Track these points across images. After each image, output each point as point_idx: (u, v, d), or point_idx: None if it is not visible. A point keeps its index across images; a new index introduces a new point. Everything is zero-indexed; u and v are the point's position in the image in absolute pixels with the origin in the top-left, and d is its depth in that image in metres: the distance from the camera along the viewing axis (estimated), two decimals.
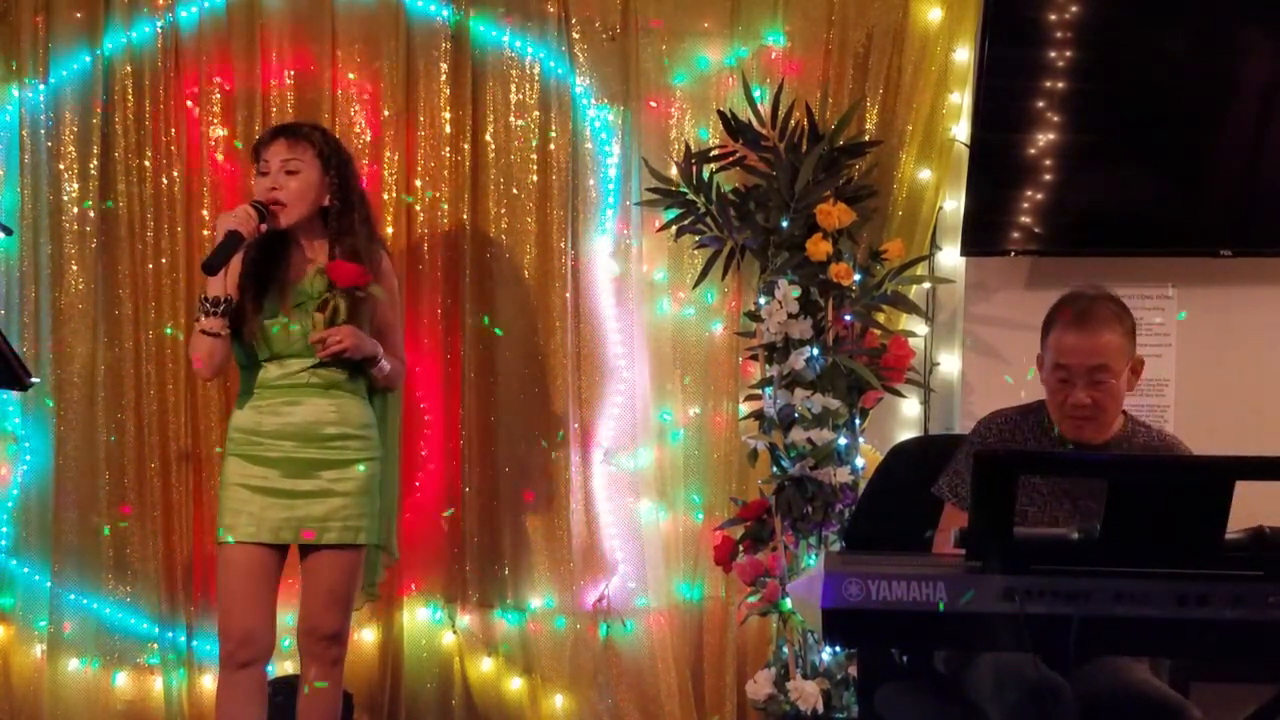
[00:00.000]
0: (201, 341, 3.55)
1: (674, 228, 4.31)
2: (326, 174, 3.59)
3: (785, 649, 4.19)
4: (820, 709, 4.07)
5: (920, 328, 4.45)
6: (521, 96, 4.44)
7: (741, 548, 4.23)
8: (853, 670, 4.04)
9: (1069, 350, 3.09)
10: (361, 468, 3.61)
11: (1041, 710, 2.78)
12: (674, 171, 4.31)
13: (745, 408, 4.34)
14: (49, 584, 4.39)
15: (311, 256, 3.63)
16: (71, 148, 4.38)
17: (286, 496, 3.55)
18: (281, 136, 3.60)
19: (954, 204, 4.42)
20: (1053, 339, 3.14)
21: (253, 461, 3.57)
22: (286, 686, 4.01)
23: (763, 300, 4.21)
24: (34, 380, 3.10)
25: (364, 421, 3.64)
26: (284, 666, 4.31)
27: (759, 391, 4.26)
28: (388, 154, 4.41)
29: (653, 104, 4.47)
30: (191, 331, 3.65)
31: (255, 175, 3.63)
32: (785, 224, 4.17)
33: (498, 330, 4.42)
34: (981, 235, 4.31)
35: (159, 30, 4.35)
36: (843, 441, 4.15)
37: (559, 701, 4.45)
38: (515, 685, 4.48)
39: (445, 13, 4.41)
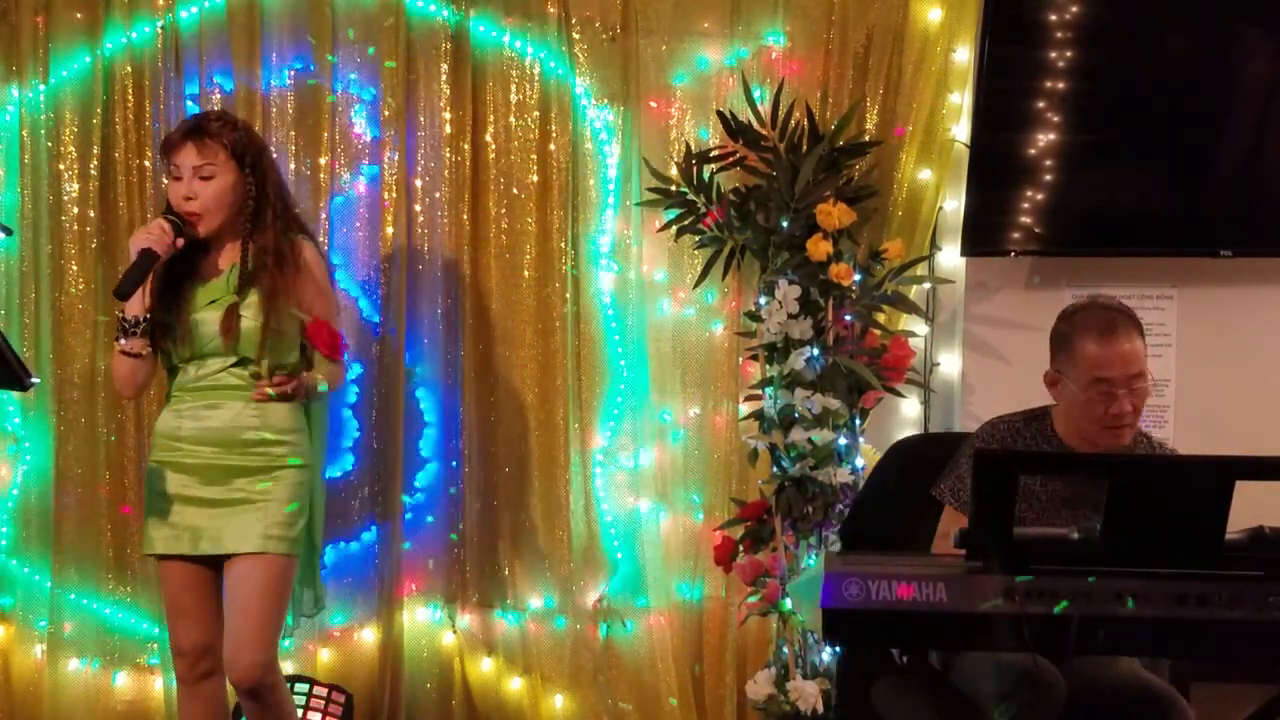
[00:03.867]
0: (123, 363, 3.39)
1: (674, 228, 4.31)
2: (242, 172, 3.39)
3: (785, 649, 4.19)
4: (820, 709, 4.07)
5: (920, 328, 4.45)
6: (521, 97, 4.44)
7: (741, 548, 4.23)
8: None
9: (1110, 362, 3.07)
10: (286, 474, 3.40)
11: (1032, 700, 2.79)
12: (674, 171, 4.31)
13: (745, 408, 4.34)
14: (49, 584, 4.38)
15: (221, 255, 3.44)
16: (71, 148, 4.37)
17: (206, 505, 3.37)
18: (190, 140, 3.37)
19: (954, 204, 4.42)
20: (1087, 353, 3.09)
21: (173, 469, 3.41)
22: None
23: (763, 300, 4.21)
24: (34, 380, 3.06)
25: (289, 426, 3.42)
26: None
27: (759, 391, 4.26)
28: (388, 154, 4.41)
29: (653, 104, 4.47)
30: (111, 351, 3.46)
31: (168, 179, 3.44)
32: (785, 224, 4.17)
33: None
34: (981, 235, 4.31)
35: (159, 30, 4.34)
36: (843, 441, 4.15)
37: (559, 701, 4.45)
38: (515, 685, 4.48)
39: (445, 13, 4.40)
